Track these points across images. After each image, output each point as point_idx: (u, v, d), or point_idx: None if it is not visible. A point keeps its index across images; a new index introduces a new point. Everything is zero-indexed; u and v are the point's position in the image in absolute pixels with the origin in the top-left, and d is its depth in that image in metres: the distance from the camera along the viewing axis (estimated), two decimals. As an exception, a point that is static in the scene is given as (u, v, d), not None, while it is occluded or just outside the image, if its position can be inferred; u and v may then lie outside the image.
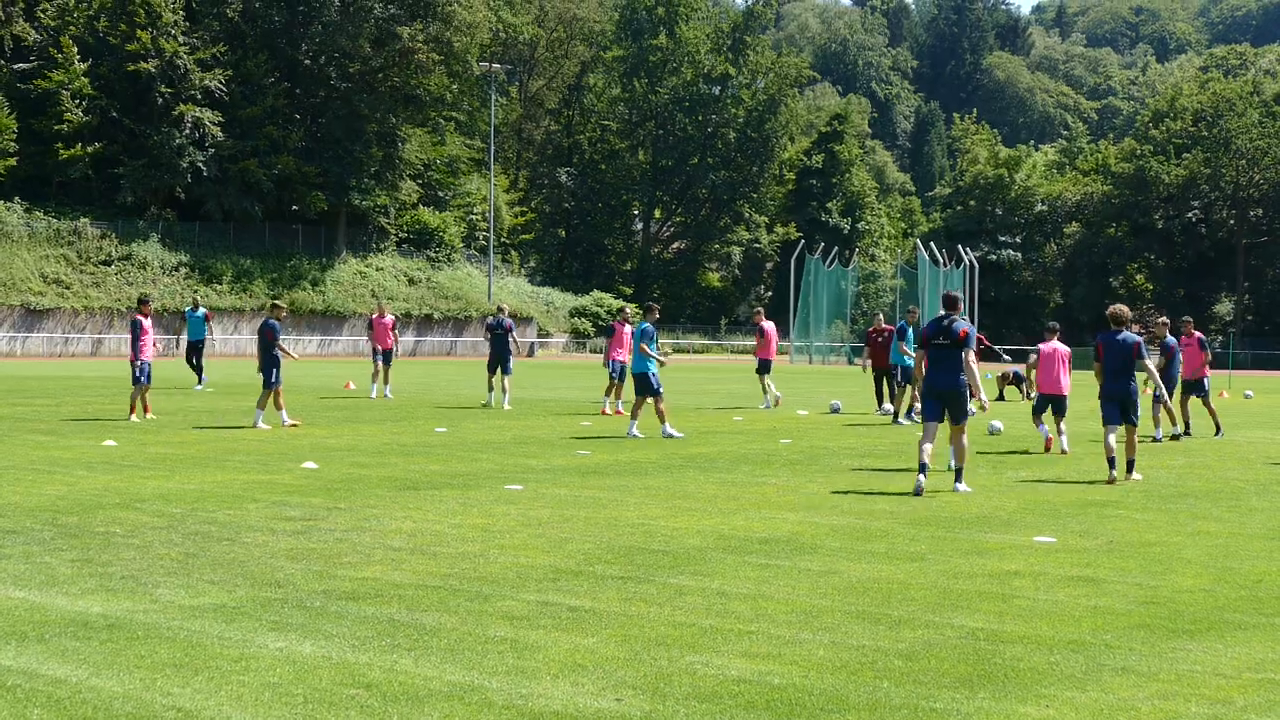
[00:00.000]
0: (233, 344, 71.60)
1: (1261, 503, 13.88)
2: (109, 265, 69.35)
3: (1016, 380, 33.95)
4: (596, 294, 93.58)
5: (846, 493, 14.01)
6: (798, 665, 6.84)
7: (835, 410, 28.09)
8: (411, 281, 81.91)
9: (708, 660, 6.91)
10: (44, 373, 41.25)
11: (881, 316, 31.06)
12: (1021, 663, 6.97)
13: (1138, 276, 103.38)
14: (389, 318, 30.75)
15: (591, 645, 7.19)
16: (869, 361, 28.05)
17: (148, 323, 23.35)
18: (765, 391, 29.22)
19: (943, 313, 14.49)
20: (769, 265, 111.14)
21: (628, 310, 27.23)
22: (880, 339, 27.54)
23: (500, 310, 28.95)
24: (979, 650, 7.22)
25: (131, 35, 70.15)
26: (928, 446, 14.04)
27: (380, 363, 30.51)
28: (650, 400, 21.38)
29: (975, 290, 75.22)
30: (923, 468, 13.93)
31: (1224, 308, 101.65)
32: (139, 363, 22.91)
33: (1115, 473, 15.50)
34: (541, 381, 40.94)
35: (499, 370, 27.69)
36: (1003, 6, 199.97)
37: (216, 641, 7.15)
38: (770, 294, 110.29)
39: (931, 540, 10.91)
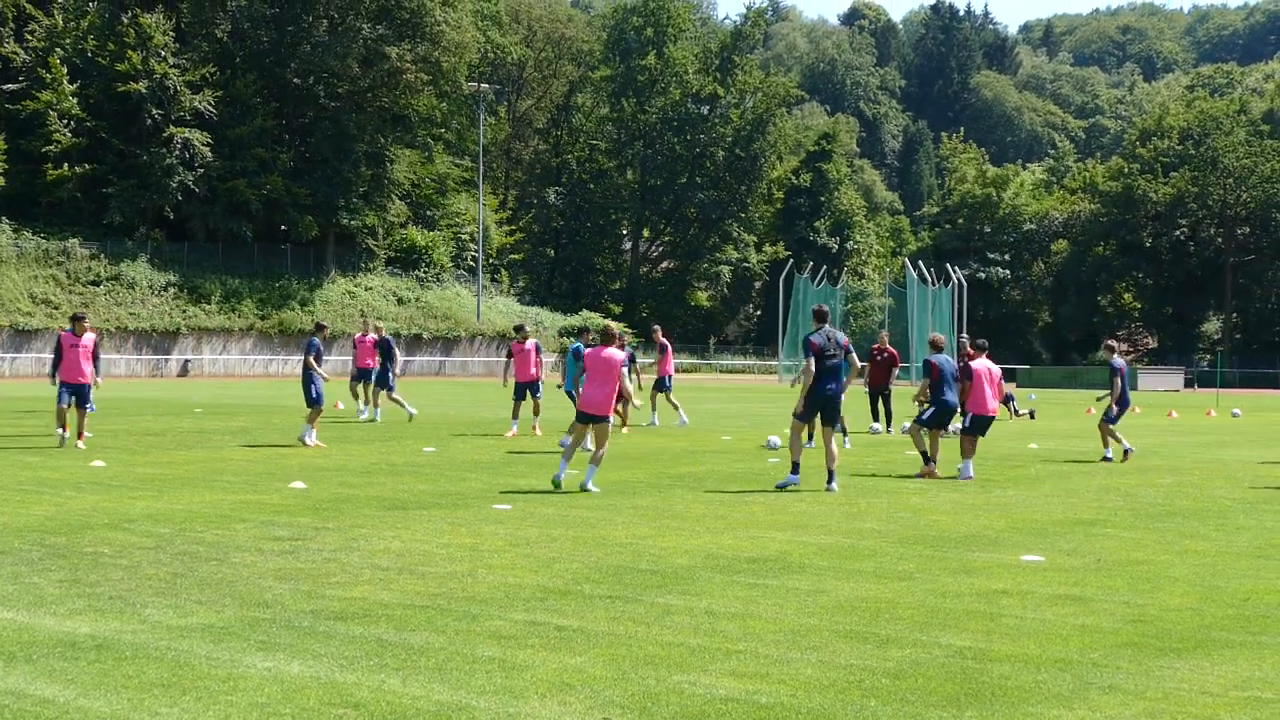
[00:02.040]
0: (221, 364, 71.47)
1: (1249, 521, 13.91)
2: (98, 285, 69.23)
3: (1006, 400, 34.03)
4: (585, 313, 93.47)
5: (834, 511, 14.03)
6: (785, 684, 6.85)
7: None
8: (400, 301, 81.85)
9: (695, 679, 6.91)
10: (33, 393, 41.12)
11: (885, 335, 30.34)
12: (1009, 681, 6.99)
13: (1125, 295, 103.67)
14: (370, 337, 30.21)
15: (579, 665, 7.20)
16: (866, 380, 27.36)
17: (85, 340, 21.19)
18: (677, 408, 29.00)
19: (825, 326, 16.26)
20: (758, 284, 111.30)
21: (526, 328, 26.86)
22: (880, 358, 27.24)
23: (378, 328, 30.34)
24: (966, 669, 7.23)
25: (121, 56, 70.15)
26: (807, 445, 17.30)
27: (355, 382, 30.25)
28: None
29: (964, 309, 75.34)
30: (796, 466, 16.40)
31: (1212, 326, 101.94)
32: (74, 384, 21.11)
33: (934, 465, 18.13)
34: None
35: (383, 385, 29.13)
36: (990, 26, 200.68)
37: (204, 661, 7.14)
38: (759, 313, 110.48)
39: (919, 559, 10.93)
